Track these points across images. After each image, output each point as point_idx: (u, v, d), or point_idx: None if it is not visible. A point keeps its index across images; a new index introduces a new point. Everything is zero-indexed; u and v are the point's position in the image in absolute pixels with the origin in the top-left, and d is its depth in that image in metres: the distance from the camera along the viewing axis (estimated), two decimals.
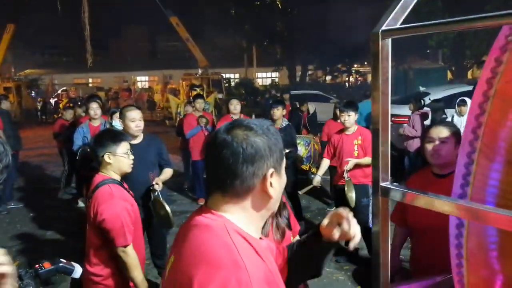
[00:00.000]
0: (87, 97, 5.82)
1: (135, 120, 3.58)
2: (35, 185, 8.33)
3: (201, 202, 6.70)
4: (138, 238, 2.51)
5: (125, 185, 2.57)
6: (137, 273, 2.31)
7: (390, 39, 1.10)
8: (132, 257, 2.30)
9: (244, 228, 1.05)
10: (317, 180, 4.73)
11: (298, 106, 9.39)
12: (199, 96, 7.34)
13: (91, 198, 2.37)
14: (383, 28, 1.08)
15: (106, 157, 2.43)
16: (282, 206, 2.15)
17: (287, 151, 5.73)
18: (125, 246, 2.27)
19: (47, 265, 1.40)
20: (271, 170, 1.05)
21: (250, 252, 1.01)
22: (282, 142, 1.11)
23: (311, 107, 8.50)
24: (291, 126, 5.80)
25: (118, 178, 2.49)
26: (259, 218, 1.11)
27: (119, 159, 2.45)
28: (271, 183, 1.05)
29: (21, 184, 8.17)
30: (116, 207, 2.30)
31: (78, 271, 1.51)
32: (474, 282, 1.29)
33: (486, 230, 1.21)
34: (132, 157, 2.53)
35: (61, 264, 1.47)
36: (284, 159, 1.13)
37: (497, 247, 1.21)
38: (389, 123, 1.20)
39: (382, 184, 1.20)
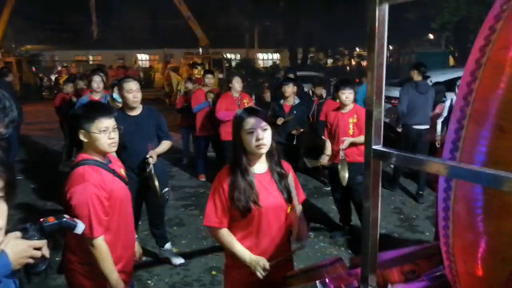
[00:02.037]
0: (91, 70, 5.84)
1: (132, 91, 3.62)
2: (36, 158, 8.40)
3: (202, 178, 6.77)
4: (123, 225, 2.27)
5: (114, 167, 2.29)
6: (104, 265, 2.10)
7: (387, 5, 1.12)
8: (99, 250, 2.08)
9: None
10: (324, 158, 4.74)
11: (308, 89, 8.18)
12: (208, 71, 7.34)
13: None
14: None
15: (80, 135, 2.17)
16: (283, 174, 2.13)
17: (301, 130, 5.79)
18: (92, 238, 2.06)
19: (51, 219, 1.46)
20: None
21: None
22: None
23: (323, 91, 7.39)
24: (303, 103, 5.87)
25: (100, 158, 2.20)
26: None
27: (94, 137, 2.15)
28: None
29: (23, 157, 8.23)
30: (85, 194, 2.05)
31: (80, 227, 1.57)
32: (459, 244, 1.35)
33: (472, 193, 1.26)
34: (114, 135, 2.21)
35: (64, 219, 1.52)
36: None
37: (482, 210, 1.26)
38: (383, 89, 1.23)
39: (374, 147, 1.24)
